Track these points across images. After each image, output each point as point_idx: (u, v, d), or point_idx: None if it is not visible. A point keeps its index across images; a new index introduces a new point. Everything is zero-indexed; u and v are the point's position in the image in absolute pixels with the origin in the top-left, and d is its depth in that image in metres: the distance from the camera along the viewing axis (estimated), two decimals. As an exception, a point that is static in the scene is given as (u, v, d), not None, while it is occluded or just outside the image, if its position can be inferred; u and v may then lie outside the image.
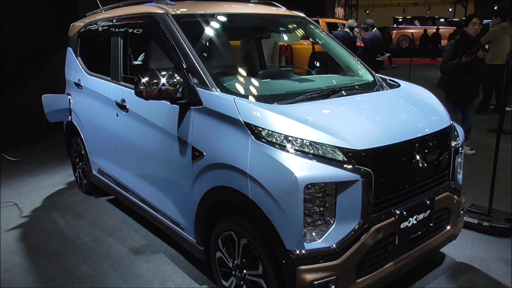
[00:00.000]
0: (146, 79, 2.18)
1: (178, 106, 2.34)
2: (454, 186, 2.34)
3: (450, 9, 27.98)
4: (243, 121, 1.97)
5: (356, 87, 2.61)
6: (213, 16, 2.74)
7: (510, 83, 3.74)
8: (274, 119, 1.93)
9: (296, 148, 1.83)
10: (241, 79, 2.55)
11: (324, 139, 1.85)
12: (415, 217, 2.06)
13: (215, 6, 2.94)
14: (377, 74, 2.91)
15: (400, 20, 21.08)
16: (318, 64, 4.28)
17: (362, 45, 8.35)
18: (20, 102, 6.10)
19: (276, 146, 1.85)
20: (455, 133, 2.41)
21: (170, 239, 2.89)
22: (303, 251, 1.79)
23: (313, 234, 1.81)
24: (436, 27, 18.81)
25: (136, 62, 3.07)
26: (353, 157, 1.84)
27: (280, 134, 1.87)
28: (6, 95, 5.83)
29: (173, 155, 2.42)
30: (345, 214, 1.82)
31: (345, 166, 1.81)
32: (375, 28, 8.65)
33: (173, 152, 2.41)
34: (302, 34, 3.38)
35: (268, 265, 1.93)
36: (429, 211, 2.14)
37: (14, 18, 5.97)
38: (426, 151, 2.11)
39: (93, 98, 3.47)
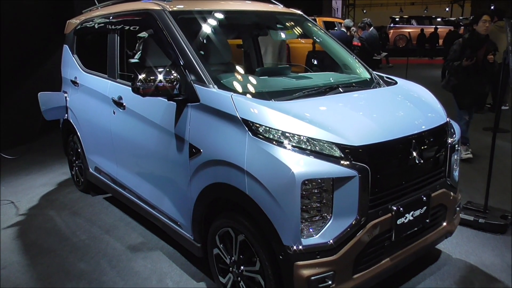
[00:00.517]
0: (143, 75, 2.18)
1: (175, 103, 2.34)
2: (451, 183, 2.36)
3: (447, 9, 28.07)
4: (241, 118, 1.97)
5: (353, 84, 2.62)
6: (210, 13, 2.74)
7: (506, 82, 3.76)
8: (272, 115, 1.93)
9: (294, 144, 1.83)
10: (239, 76, 2.55)
11: (321, 135, 1.86)
12: (411, 213, 2.07)
13: (212, 2, 2.94)
14: (374, 72, 2.92)
15: (397, 19, 21.12)
16: (315, 62, 4.29)
17: (359, 44, 8.36)
18: (17, 100, 6.07)
19: (274, 142, 1.85)
20: (452, 130, 2.43)
21: (167, 237, 2.89)
22: (300, 247, 1.80)
23: (310, 230, 1.82)
24: (434, 26, 18.84)
25: (133, 60, 3.06)
26: (350, 153, 1.85)
27: (278, 130, 1.87)
28: (2, 93, 5.80)
29: (170, 152, 2.42)
30: (342, 210, 1.83)
31: (342, 162, 1.82)
32: (372, 27, 8.67)
33: (170, 149, 2.41)
34: (299, 32, 3.38)
35: (265, 261, 1.94)
36: (425, 207, 2.15)
37: (10, 16, 5.94)
38: (422, 147, 2.12)
39: (90, 96, 3.46)
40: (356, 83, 2.66)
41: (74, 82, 3.75)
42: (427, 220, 2.19)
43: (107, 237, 3.18)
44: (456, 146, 2.40)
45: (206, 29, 2.67)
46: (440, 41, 17.71)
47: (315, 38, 3.34)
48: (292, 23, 3.32)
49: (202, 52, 2.51)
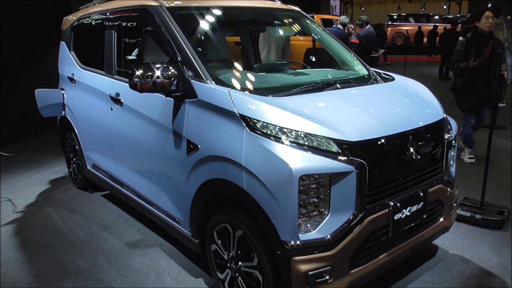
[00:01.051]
0: (141, 71, 2.17)
1: (172, 99, 2.34)
2: (447, 179, 2.37)
3: (445, 7, 28.10)
4: (238, 113, 1.97)
5: (351, 80, 2.62)
6: (208, 9, 2.73)
7: (503, 79, 3.73)
8: (269, 111, 1.93)
9: (291, 139, 1.84)
10: (236, 72, 2.54)
11: (318, 130, 1.86)
12: (408, 208, 2.08)
13: (210, -2, 2.93)
14: (371, 68, 2.92)
15: (395, 17, 21.13)
16: (313, 59, 4.29)
17: (357, 41, 8.37)
18: (14, 98, 6.05)
19: (271, 138, 1.85)
20: (449, 126, 2.44)
21: (165, 233, 2.90)
22: (298, 242, 1.80)
23: (308, 225, 1.82)
24: (433, 24, 18.84)
25: (130, 57, 3.06)
26: (348, 148, 1.85)
27: (275, 126, 1.87)
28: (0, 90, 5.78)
29: (168, 148, 2.42)
30: (339, 205, 1.84)
31: (339, 157, 1.82)
32: (369, 25, 8.68)
33: (168, 145, 2.41)
34: (297, 29, 3.38)
35: (263, 256, 1.94)
36: (422, 203, 2.16)
37: (7, 13, 5.91)
38: (419, 143, 2.12)
39: (87, 93, 3.45)
40: (354, 79, 2.66)
41: (71, 79, 3.74)
42: (424, 216, 2.20)
43: (105, 234, 3.18)
44: (453, 142, 2.41)
45: (204, 25, 2.67)
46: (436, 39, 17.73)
47: (313, 35, 3.34)
48: (290, 19, 3.32)
49: (200, 49, 2.51)
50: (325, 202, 1.82)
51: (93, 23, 3.48)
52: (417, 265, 2.62)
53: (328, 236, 1.82)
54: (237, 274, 2.17)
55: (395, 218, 2.02)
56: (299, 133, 1.85)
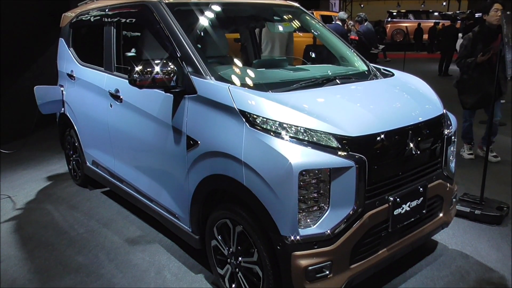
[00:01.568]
0: (140, 67, 2.17)
1: (172, 95, 2.33)
2: (447, 174, 2.37)
3: (444, 3, 28.03)
4: (238, 109, 1.97)
5: (351, 76, 2.62)
6: (207, 4, 2.72)
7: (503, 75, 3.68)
8: (269, 106, 1.93)
9: (291, 135, 1.84)
10: (236, 67, 2.54)
11: (318, 126, 1.86)
12: (408, 204, 2.09)
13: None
14: (371, 64, 2.92)
15: (394, 13, 21.09)
16: (313, 55, 4.28)
17: (357, 38, 8.36)
18: (13, 95, 6.03)
19: (271, 133, 1.85)
20: (448, 121, 2.44)
21: (165, 230, 2.90)
22: (298, 237, 1.81)
23: (308, 220, 1.82)
24: (434, 21, 18.80)
25: (129, 54, 3.05)
26: (347, 143, 1.85)
27: (275, 121, 1.87)
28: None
29: (167, 144, 2.42)
30: (339, 201, 1.84)
31: (339, 152, 1.82)
32: (367, 22, 8.68)
33: (168, 141, 2.40)
34: (297, 25, 3.37)
35: (263, 252, 1.95)
36: (422, 198, 2.16)
37: (5, 10, 5.88)
38: (419, 138, 2.12)
39: (86, 89, 3.45)
40: (353, 75, 2.66)
41: (71, 76, 3.73)
42: (424, 211, 2.21)
43: (105, 230, 3.18)
44: (453, 137, 2.41)
45: (203, 21, 2.66)
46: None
47: (313, 31, 3.33)
48: (289, 15, 3.31)
49: (199, 45, 2.50)
50: (325, 197, 1.83)
51: (92, 19, 3.46)
52: (416, 261, 2.62)
53: (328, 231, 1.83)
54: (237, 269, 2.18)
55: (394, 213, 2.02)
56: (299, 128, 1.85)
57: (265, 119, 1.89)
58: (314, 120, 1.88)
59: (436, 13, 20.96)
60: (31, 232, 3.22)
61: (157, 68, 2.18)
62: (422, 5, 26.81)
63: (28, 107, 4.61)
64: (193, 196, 2.30)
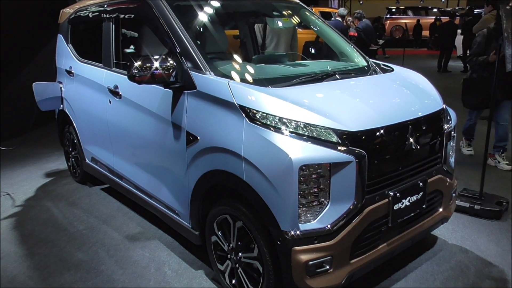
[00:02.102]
0: (139, 63, 2.16)
1: (171, 91, 2.32)
2: (447, 169, 2.37)
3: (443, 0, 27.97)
4: (238, 104, 1.96)
5: (350, 71, 2.61)
6: (206, 0, 2.71)
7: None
8: (269, 101, 1.92)
9: (291, 130, 1.83)
10: (235, 63, 2.53)
11: (318, 121, 1.86)
12: (408, 198, 2.09)
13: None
14: (370, 59, 2.91)
15: (393, 10, 21.03)
16: (313, 51, 4.27)
17: (356, 34, 8.34)
18: (11, 91, 6.01)
19: (271, 128, 1.85)
20: (448, 116, 2.43)
21: (165, 226, 2.90)
22: (298, 232, 1.81)
23: (308, 215, 1.82)
24: (435, 17, 18.71)
25: (128, 51, 3.04)
26: (347, 138, 1.85)
27: (275, 116, 1.87)
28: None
29: (167, 140, 2.41)
30: (339, 195, 1.84)
31: (339, 147, 1.82)
32: (365, 18, 8.68)
33: (167, 137, 2.40)
34: (296, 21, 3.36)
35: (263, 247, 1.95)
36: (421, 193, 2.16)
37: (2, 6, 5.85)
38: (419, 133, 2.12)
39: (85, 85, 3.43)
40: (353, 70, 2.65)
41: (69, 72, 3.72)
42: (424, 206, 2.21)
43: (105, 227, 3.18)
44: (452, 132, 2.41)
45: (202, 16, 2.65)
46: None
47: (312, 26, 3.32)
48: (289, 11, 3.30)
49: (199, 42, 2.49)
50: (325, 192, 1.82)
51: (91, 15, 3.45)
52: (416, 255, 2.63)
53: (328, 226, 1.83)
54: (237, 265, 2.18)
55: (394, 208, 2.03)
56: (299, 123, 1.84)
57: (265, 114, 1.88)
58: (314, 115, 1.87)
59: (435, 10, 20.91)
60: (31, 229, 3.21)
61: (156, 64, 2.17)
62: (421, 1, 26.75)
63: (27, 104, 4.60)
64: (193, 192, 2.29)
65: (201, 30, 2.71)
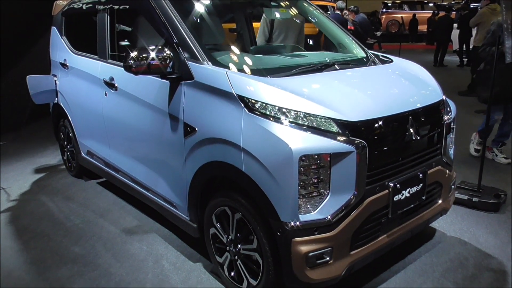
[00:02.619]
0: (135, 53, 2.12)
1: (168, 82, 2.29)
2: (446, 161, 2.36)
3: (439, -6, 27.92)
4: (236, 94, 1.93)
5: (349, 62, 2.59)
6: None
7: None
8: (268, 91, 1.90)
9: (290, 120, 1.81)
10: (233, 53, 2.50)
11: (318, 110, 1.83)
12: (408, 190, 2.07)
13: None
14: (369, 51, 2.89)
15: (389, 4, 20.98)
16: (311, 42, 4.24)
17: (353, 28, 8.32)
18: (5, 85, 5.92)
19: (270, 118, 1.82)
20: (448, 108, 2.42)
21: (162, 219, 2.87)
22: (298, 223, 1.79)
23: (308, 206, 1.81)
24: (432, 11, 18.66)
25: (123, 43, 2.99)
26: (348, 128, 1.83)
27: (274, 106, 1.84)
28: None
29: (164, 132, 2.38)
30: (339, 186, 1.82)
31: (339, 137, 1.80)
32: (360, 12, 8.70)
33: (165, 129, 2.37)
34: (294, 12, 3.32)
35: (262, 238, 1.93)
36: (421, 184, 2.15)
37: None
38: (419, 124, 2.11)
39: (80, 78, 3.38)
40: (352, 61, 2.63)
41: (64, 65, 3.66)
42: (423, 197, 2.20)
43: (101, 220, 3.15)
44: (452, 124, 2.40)
45: (199, 7, 2.61)
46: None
47: (310, 18, 3.28)
48: (286, 2, 3.26)
49: (196, 30, 2.45)
50: (325, 182, 1.81)
51: (85, 7, 3.39)
52: (415, 247, 2.62)
53: (329, 217, 1.81)
54: (236, 257, 2.16)
55: (394, 199, 2.01)
56: (299, 113, 1.82)
57: (264, 104, 1.86)
58: (314, 105, 1.85)
59: (431, 4, 20.88)
60: (26, 223, 3.18)
61: (152, 54, 2.13)
62: (418, -4, 26.67)
63: (21, 97, 4.54)
64: (191, 184, 2.27)
65: (198, 21, 2.67)
